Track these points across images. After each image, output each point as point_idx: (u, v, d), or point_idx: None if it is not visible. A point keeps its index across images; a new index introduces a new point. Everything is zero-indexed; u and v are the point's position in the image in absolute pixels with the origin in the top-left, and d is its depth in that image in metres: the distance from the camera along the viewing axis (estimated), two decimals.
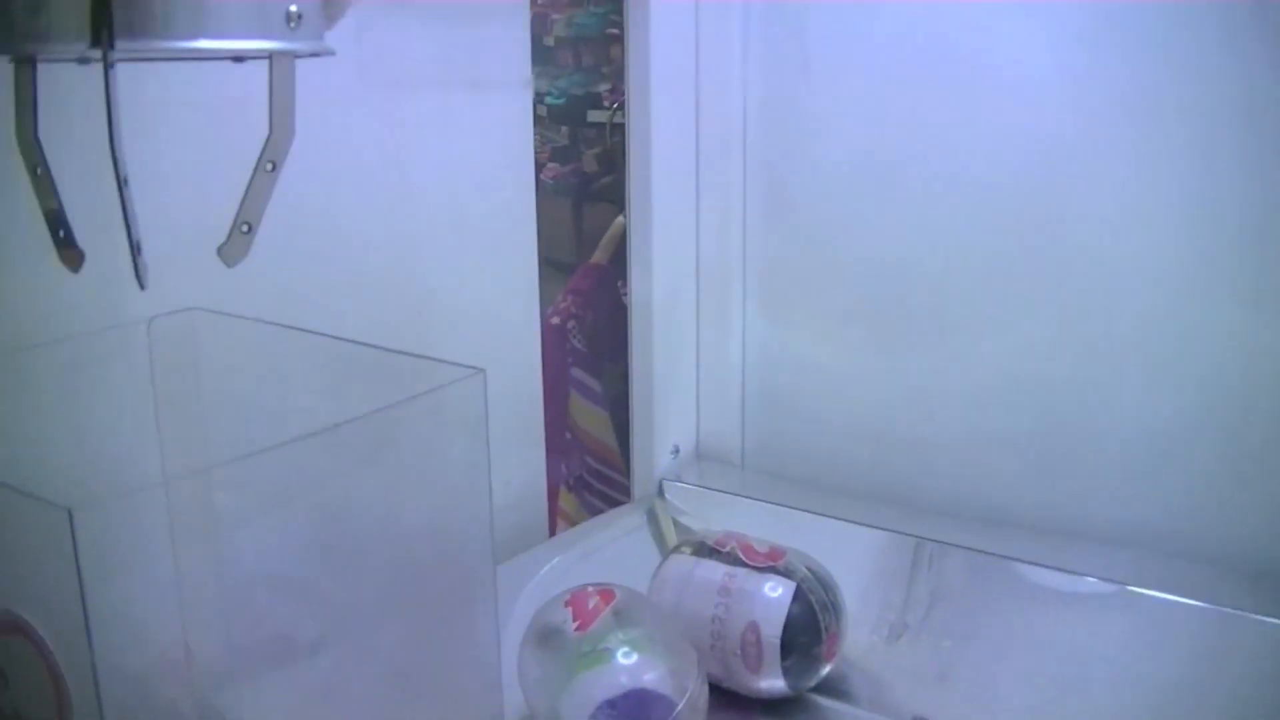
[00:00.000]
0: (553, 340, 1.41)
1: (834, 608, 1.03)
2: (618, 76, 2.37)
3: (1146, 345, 1.20)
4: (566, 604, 0.97)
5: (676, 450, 1.46)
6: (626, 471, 1.59)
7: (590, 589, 0.98)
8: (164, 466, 0.90)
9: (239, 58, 0.68)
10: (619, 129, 2.29)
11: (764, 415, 1.48)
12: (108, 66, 0.61)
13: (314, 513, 0.77)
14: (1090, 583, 1.15)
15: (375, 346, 0.84)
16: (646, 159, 1.35)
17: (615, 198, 2.16)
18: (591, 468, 1.64)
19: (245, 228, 0.71)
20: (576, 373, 1.65)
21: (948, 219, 1.29)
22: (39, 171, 0.68)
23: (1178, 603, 1.10)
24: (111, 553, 0.61)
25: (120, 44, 0.60)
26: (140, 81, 0.72)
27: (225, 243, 0.71)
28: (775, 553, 1.06)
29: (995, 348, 1.30)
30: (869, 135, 1.33)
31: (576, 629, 0.94)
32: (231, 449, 0.87)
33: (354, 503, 0.77)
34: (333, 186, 1.09)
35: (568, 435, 1.63)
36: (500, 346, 1.30)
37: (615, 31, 2.19)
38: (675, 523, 1.35)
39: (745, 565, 1.05)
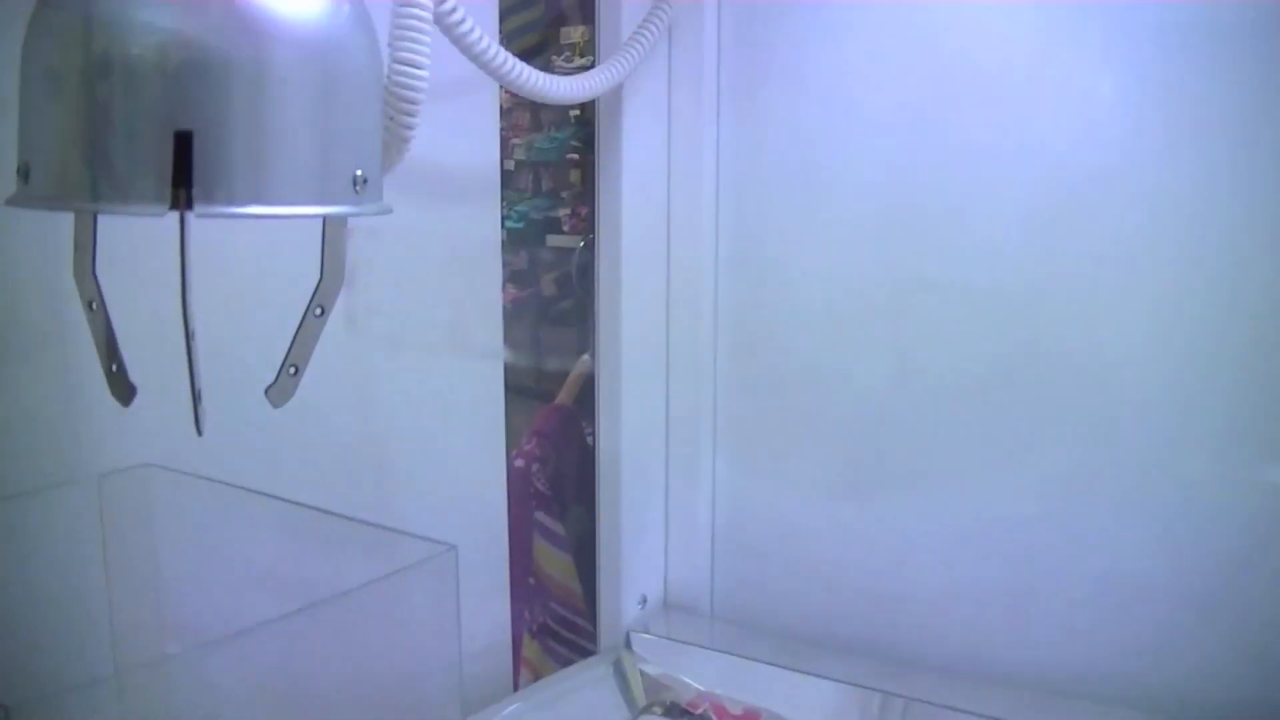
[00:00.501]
0: (517, 483, 1.38)
1: None
2: (577, 201, 2.38)
3: (1125, 494, 1.19)
4: None
5: (644, 600, 1.43)
6: (592, 618, 1.55)
7: None
8: (113, 641, 0.87)
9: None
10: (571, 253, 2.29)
11: (733, 565, 1.46)
12: (184, 229, 0.63)
13: (272, 687, 0.74)
14: None
15: (337, 515, 0.81)
16: (616, 309, 1.33)
17: (573, 322, 2.15)
18: (556, 614, 1.61)
19: (292, 370, 0.74)
20: (540, 516, 1.62)
21: (922, 368, 1.28)
22: (94, 306, 0.70)
23: None
24: None
25: (198, 208, 0.63)
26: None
27: (273, 384, 0.74)
28: (749, 715, 1.03)
29: (966, 497, 1.28)
30: (841, 283, 1.32)
31: None
32: (189, 616, 0.84)
33: (317, 679, 0.74)
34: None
35: (531, 581, 1.60)
36: (466, 490, 1.27)
37: (574, 156, 2.20)
38: (643, 675, 1.32)
39: None
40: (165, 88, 0.62)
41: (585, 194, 2.37)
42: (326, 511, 0.81)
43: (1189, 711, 1.16)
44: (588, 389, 1.61)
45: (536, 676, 1.51)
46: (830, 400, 1.35)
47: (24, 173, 0.66)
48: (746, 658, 1.31)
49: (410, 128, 0.85)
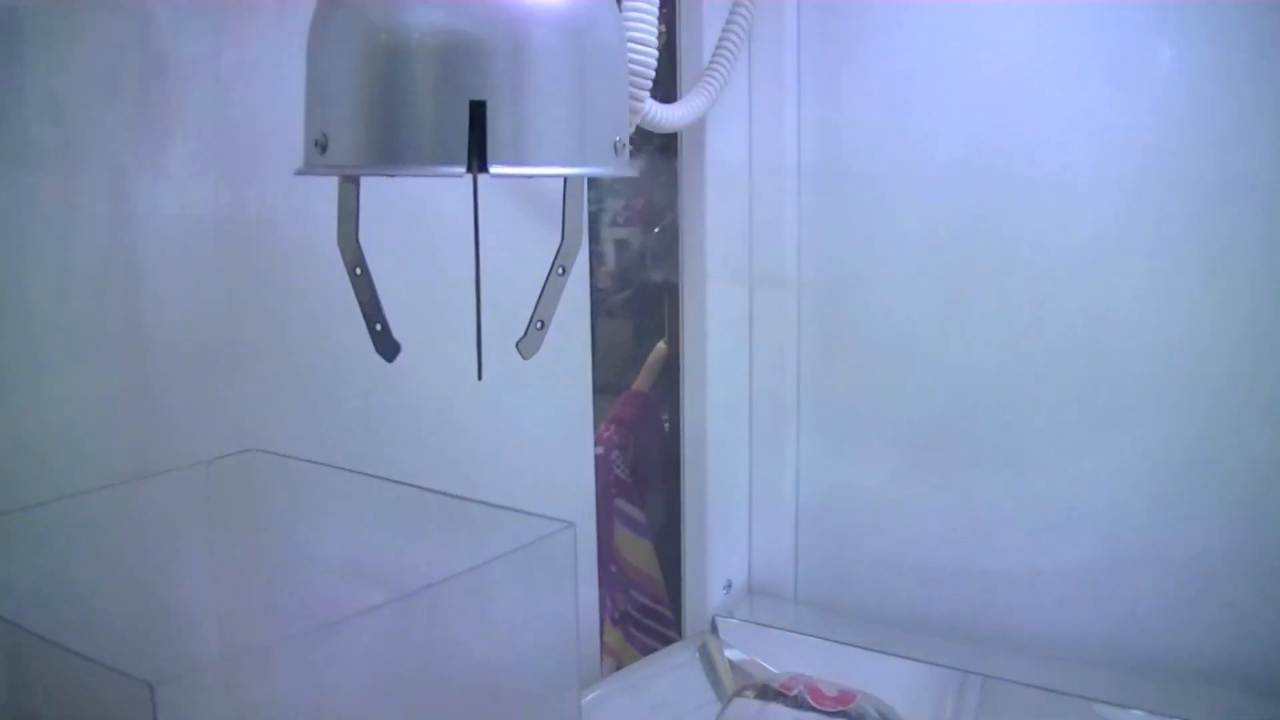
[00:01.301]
0: (597, 470, 1.38)
1: None
2: (631, 193, 2.38)
3: (1210, 473, 1.19)
4: None
5: (729, 585, 1.43)
6: (673, 605, 1.56)
7: None
8: (221, 623, 0.87)
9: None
10: (627, 244, 2.29)
11: (817, 547, 1.45)
12: (477, 188, 0.75)
13: (387, 672, 0.74)
14: None
15: (446, 494, 0.82)
16: (701, 290, 1.33)
17: (629, 314, 2.15)
18: (637, 602, 1.61)
19: (539, 325, 0.82)
20: (620, 504, 1.62)
21: (1010, 343, 1.28)
22: (359, 271, 0.78)
23: None
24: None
25: (492, 169, 0.71)
26: None
27: (523, 338, 0.82)
28: (845, 696, 1.02)
29: (1051, 475, 1.28)
30: (928, 259, 1.32)
31: None
32: (296, 598, 0.85)
33: (429, 662, 0.74)
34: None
35: (612, 569, 1.60)
36: (554, 477, 1.27)
37: (630, 147, 2.18)
38: (730, 660, 1.32)
39: (814, 709, 1.01)
40: (461, 64, 0.70)
41: (640, 185, 2.37)
42: (436, 491, 0.81)
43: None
44: (665, 375, 1.61)
45: (618, 664, 1.51)
46: (913, 379, 1.35)
47: (321, 145, 0.74)
48: (833, 640, 1.30)
49: (641, 100, 0.98)
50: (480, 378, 0.79)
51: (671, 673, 1.32)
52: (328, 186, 0.77)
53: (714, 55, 1.20)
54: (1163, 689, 1.18)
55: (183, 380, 0.91)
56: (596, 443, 1.54)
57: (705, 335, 1.36)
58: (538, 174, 0.74)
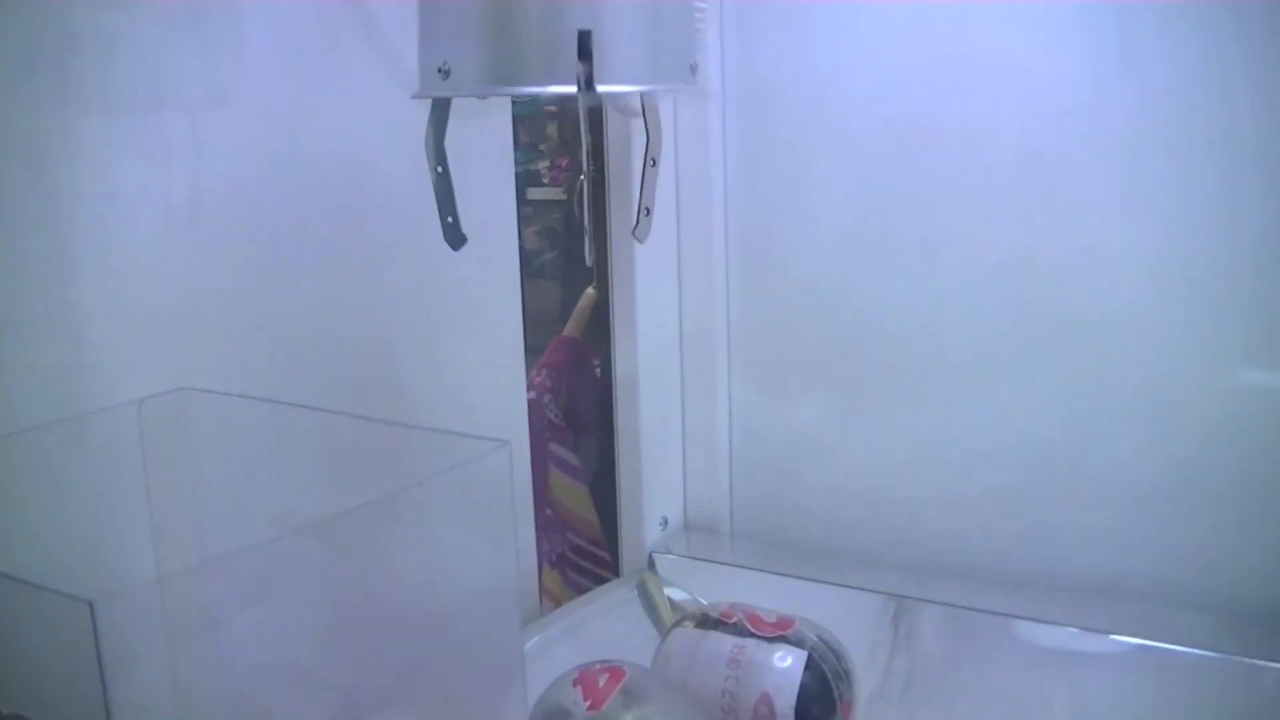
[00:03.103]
0: (530, 416, 1.38)
1: (846, 675, 1.01)
2: (555, 153, 2.37)
3: (1135, 398, 1.21)
4: (575, 683, 0.93)
5: (665, 522, 1.44)
6: (609, 547, 1.56)
7: (598, 666, 0.95)
8: (157, 554, 0.87)
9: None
10: (559, 205, 2.28)
11: (751, 482, 1.47)
12: (592, 109, 0.88)
13: (325, 599, 0.74)
14: (1099, 639, 1.14)
15: (385, 422, 0.82)
16: (629, 233, 1.33)
17: (557, 275, 2.15)
18: (574, 544, 1.61)
19: (646, 211, 0.97)
20: (554, 448, 1.62)
21: (934, 278, 1.29)
22: (440, 170, 0.93)
23: (1199, 655, 1.09)
24: (126, 646, 0.58)
25: (599, 87, 0.83)
26: None
27: (635, 226, 0.98)
28: (784, 622, 1.03)
29: (979, 406, 1.30)
30: (853, 197, 1.32)
31: (588, 709, 0.91)
32: (233, 531, 0.84)
33: (371, 580, 0.74)
34: (309, 260, 1.06)
35: (548, 512, 1.60)
36: (487, 423, 1.27)
37: (552, 109, 2.20)
38: (668, 595, 1.32)
39: (754, 636, 1.02)
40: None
41: (563, 146, 2.37)
42: (371, 419, 0.81)
43: (1203, 597, 1.18)
44: (595, 320, 1.61)
45: (557, 605, 1.52)
46: (843, 314, 1.36)
47: (445, 72, 0.86)
48: (769, 572, 1.32)
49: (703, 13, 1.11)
50: (590, 262, 1.00)
51: (611, 610, 1.33)
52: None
53: None
54: (1089, 606, 1.20)
55: (114, 321, 0.91)
56: (529, 388, 1.54)
57: (634, 278, 1.36)
58: (634, 90, 0.89)
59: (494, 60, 0.84)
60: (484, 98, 0.97)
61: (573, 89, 0.83)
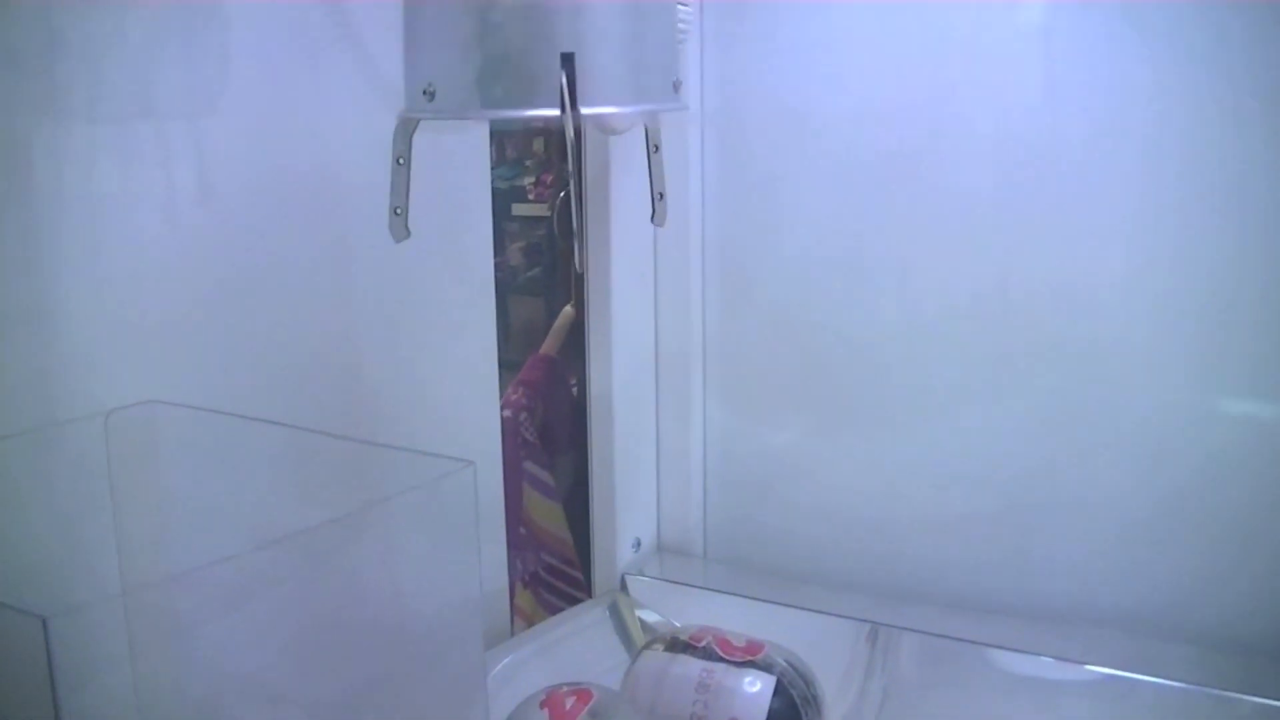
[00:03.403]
0: (505, 433, 1.38)
1: (815, 701, 1.01)
2: (541, 169, 2.36)
3: (1115, 426, 1.20)
4: (543, 705, 0.93)
5: (638, 543, 1.43)
6: (583, 566, 1.56)
7: (565, 689, 0.95)
8: (121, 567, 0.86)
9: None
10: (544, 222, 2.27)
11: (726, 504, 1.46)
12: (577, 129, 0.84)
13: (289, 614, 0.73)
14: (1074, 668, 1.13)
15: (350, 439, 0.81)
16: (606, 249, 1.33)
17: (541, 291, 2.14)
18: (547, 563, 1.61)
19: (660, 196, 0.96)
20: (529, 466, 1.62)
21: (912, 301, 1.29)
22: (400, 161, 0.93)
23: (1173, 686, 1.09)
24: (83, 662, 0.57)
25: (582, 109, 0.83)
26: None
27: (654, 213, 0.97)
28: (753, 646, 1.03)
29: (955, 430, 1.29)
30: (832, 219, 1.32)
31: None
32: (197, 545, 0.84)
33: (335, 598, 0.74)
34: (282, 272, 1.06)
35: (522, 530, 1.59)
36: (460, 440, 1.27)
37: (538, 125, 2.19)
38: (639, 617, 1.32)
39: (723, 660, 1.02)
40: (553, 21, 0.83)
41: (549, 162, 2.36)
42: (337, 436, 0.81)
43: (1179, 628, 1.18)
44: (572, 339, 1.61)
45: (530, 625, 1.51)
46: (820, 336, 1.35)
47: (429, 93, 0.86)
48: (742, 595, 1.31)
49: (686, 28, 1.07)
50: (582, 269, 0.98)
51: (582, 631, 1.32)
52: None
53: None
54: (1067, 635, 1.20)
55: (80, 333, 0.90)
56: (504, 405, 1.54)
57: (610, 296, 1.35)
58: (618, 113, 0.89)
59: (477, 83, 0.85)
60: (468, 120, 1.01)
61: (556, 112, 0.83)
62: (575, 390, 1.63)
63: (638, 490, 1.44)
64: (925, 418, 1.31)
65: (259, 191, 1.03)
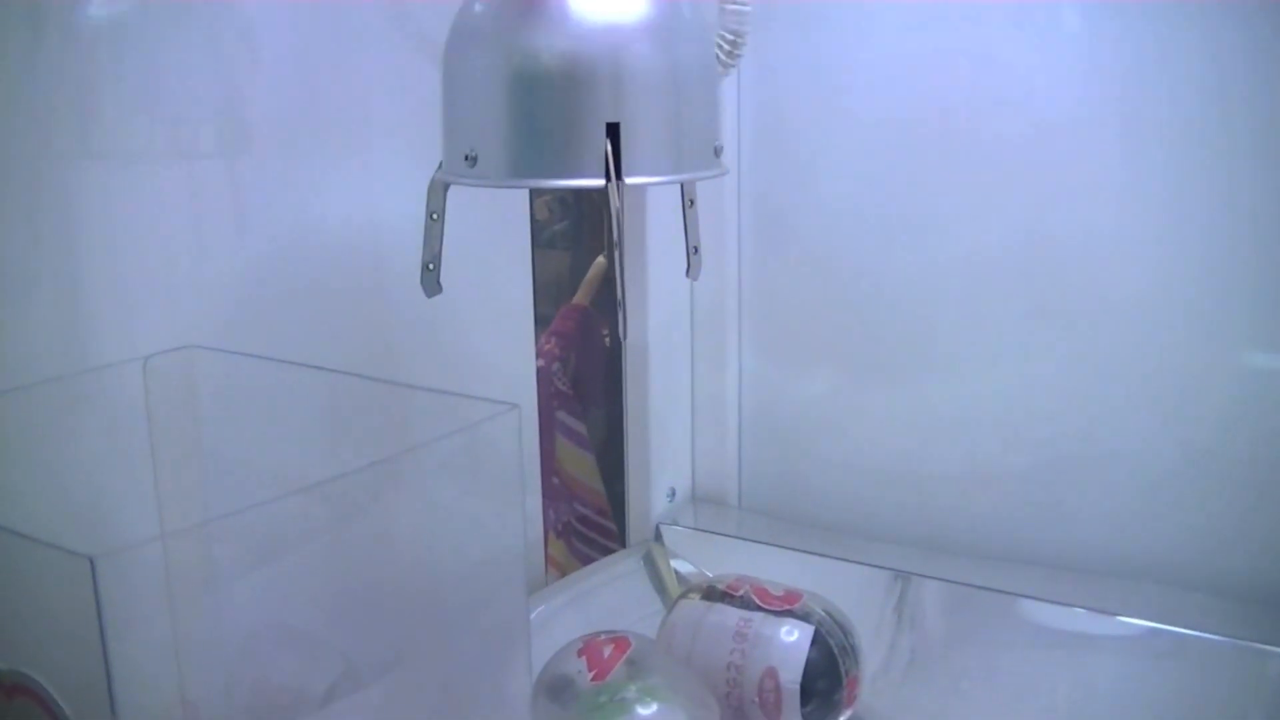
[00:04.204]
0: (538, 383, 1.37)
1: (853, 651, 1.00)
2: None
3: (1148, 379, 1.20)
4: (580, 653, 0.93)
5: (673, 493, 1.43)
6: (615, 516, 1.56)
7: (603, 637, 0.95)
8: (161, 511, 0.86)
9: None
10: None
11: (760, 455, 1.46)
12: (612, 196, 0.82)
13: (328, 560, 0.73)
14: (1106, 620, 1.13)
15: (391, 382, 0.81)
16: (641, 200, 1.32)
17: (566, 245, 2.13)
18: (580, 514, 1.61)
19: (695, 249, 0.96)
20: (561, 416, 1.61)
21: (946, 255, 1.28)
22: (434, 217, 0.92)
23: (1207, 639, 1.08)
24: (127, 603, 0.57)
25: (627, 179, 0.83)
26: None
27: (689, 267, 0.96)
28: (791, 595, 1.03)
29: (988, 381, 1.29)
30: (867, 172, 1.31)
31: (592, 679, 0.90)
32: (236, 491, 0.84)
33: (374, 545, 0.73)
34: (318, 231, 1.06)
35: (555, 480, 1.59)
36: (496, 390, 1.26)
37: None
38: (674, 566, 1.32)
39: (760, 609, 1.01)
40: (598, 91, 0.82)
41: None
42: (378, 379, 0.81)
43: (1211, 580, 1.17)
44: (605, 289, 1.60)
45: (563, 575, 1.51)
46: (854, 286, 1.35)
47: (472, 159, 0.85)
48: (776, 545, 1.31)
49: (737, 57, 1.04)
50: (624, 337, 0.90)
51: (617, 580, 1.32)
52: None
53: None
54: (1097, 587, 1.20)
55: (117, 278, 0.90)
56: (537, 355, 1.54)
57: (645, 246, 1.35)
58: (661, 182, 0.87)
59: (521, 151, 0.84)
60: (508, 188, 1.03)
61: (601, 182, 0.82)
62: (608, 341, 1.62)
63: (672, 440, 1.44)
64: (959, 370, 1.30)
65: (298, 131, 1.02)
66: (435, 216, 0.92)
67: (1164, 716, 1.03)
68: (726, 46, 1.01)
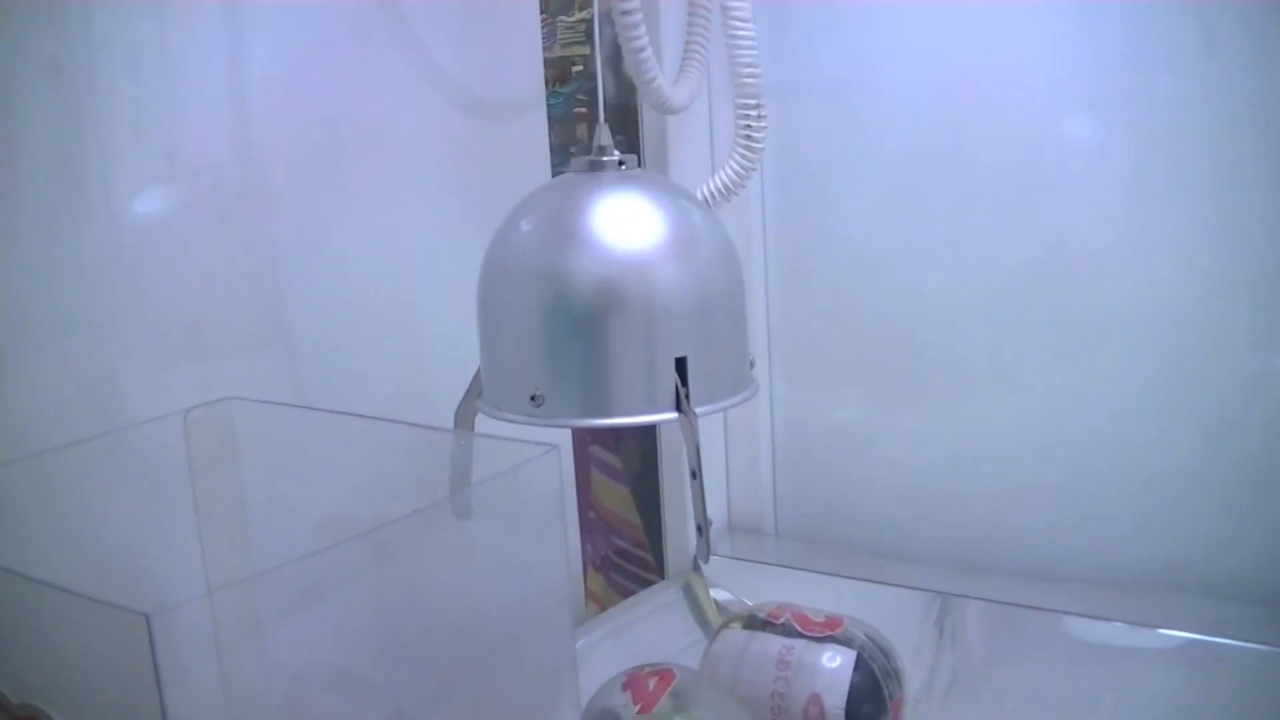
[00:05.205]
0: None
1: (896, 674, 1.00)
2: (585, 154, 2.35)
3: (1182, 391, 1.19)
4: (625, 687, 0.93)
5: (710, 523, 1.43)
6: (652, 549, 1.56)
7: (647, 669, 0.95)
8: (205, 562, 0.87)
9: None
10: None
11: (795, 481, 1.46)
12: (686, 428, 0.86)
13: (373, 606, 0.74)
14: (1147, 633, 1.13)
15: (430, 427, 0.82)
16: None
17: None
18: (617, 547, 1.61)
19: (698, 530, 0.93)
20: (596, 451, 1.62)
21: (972, 273, 1.28)
22: (463, 442, 0.91)
23: (1249, 649, 1.08)
24: (179, 658, 0.58)
25: (697, 410, 0.86)
26: None
27: (697, 547, 0.93)
28: (832, 621, 1.03)
29: (1021, 399, 1.29)
30: (886, 196, 1.32)
31: (638, 712, 0.91)
32: (279, 539, 0.85)
33: (418, 586, 0.74)
34: (342, 267, 1.07)
35: (591, 515, 1.60)
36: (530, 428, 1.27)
37: (582, 110, 2.18)
38: (714, 596, 1.32)
39: (802, 636, 1.01)
40: (669, 328, 0.84)
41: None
42: (416, 425, 0.81)
43: (1251, 591, 1.17)
44: None
45: (602, 608, 1.51)
46: (880, 309, 1.35)
47: (538, 400, 0.86)
48: (815, 571, 1.31)
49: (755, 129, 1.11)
50: (707, 560, 0.95)
51: (657, 612, 1.32)
52: None
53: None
54: (1137, 600, 1.19)
55: (151, 334, 0.91)
56: None
57: None
58: (719, 409, 0.88)
59: (589, 391, 0.85)
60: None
61: (671, 415, 0.85)
62: None
63: (707, 470, 1.42)
64: (988, 388, 1.31)
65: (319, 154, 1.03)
66: (464, 442, 0.91)
67: None
68: (750, 115, 1.09)
